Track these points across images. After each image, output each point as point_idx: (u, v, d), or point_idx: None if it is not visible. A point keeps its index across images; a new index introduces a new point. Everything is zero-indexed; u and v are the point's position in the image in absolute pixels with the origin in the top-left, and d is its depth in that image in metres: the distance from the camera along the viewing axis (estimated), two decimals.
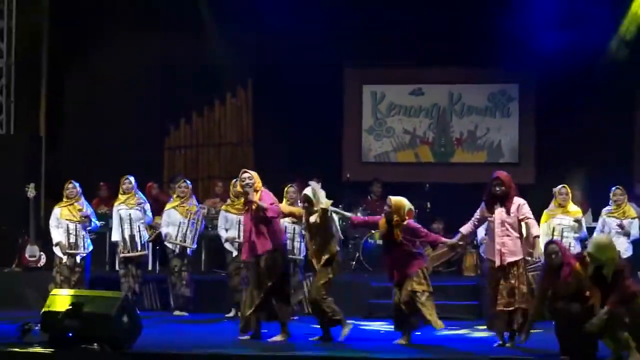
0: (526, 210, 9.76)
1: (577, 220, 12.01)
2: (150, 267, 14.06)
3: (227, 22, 16.15)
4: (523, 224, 9.76)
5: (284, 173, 14.62)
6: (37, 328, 9.67)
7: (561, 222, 11.94)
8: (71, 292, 9.90)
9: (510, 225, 9.69)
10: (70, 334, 9.19)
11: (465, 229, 10.05)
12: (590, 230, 12.37)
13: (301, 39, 15.51)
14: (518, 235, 9.71)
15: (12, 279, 13.80)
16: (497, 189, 9.80)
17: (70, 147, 16.36)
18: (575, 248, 11.81)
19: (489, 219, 9.81)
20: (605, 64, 15.81)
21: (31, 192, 13.56)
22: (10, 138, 15.80)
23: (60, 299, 9.58)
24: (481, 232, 12.03)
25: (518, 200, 9.82)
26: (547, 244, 9.17)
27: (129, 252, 12.35)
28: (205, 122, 17.41)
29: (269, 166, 16.12)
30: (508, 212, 9.73)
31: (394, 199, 9.84)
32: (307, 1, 15.61)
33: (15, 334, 9.79)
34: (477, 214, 10.00)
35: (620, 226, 12.22)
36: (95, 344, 9.13)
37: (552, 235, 11.71)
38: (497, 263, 9.63)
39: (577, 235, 12.00)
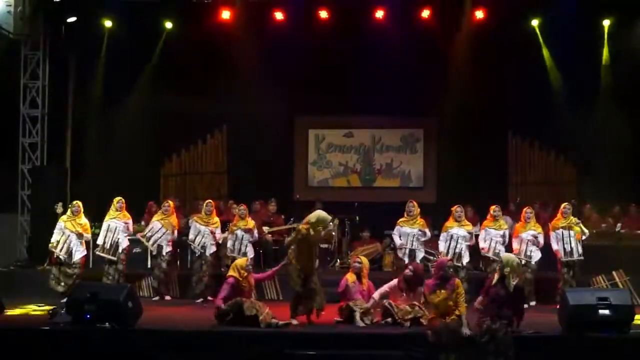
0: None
1: (470, 232, 11.97)
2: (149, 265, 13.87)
3: (208, 83, 16.05)
4: None
5: (250, 194, 14.55)
6: (63, 311, 9.55)
7: (457, 233, 11.83)
8: (90, 283, 9.77)
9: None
10: (89, 316, 9.10)
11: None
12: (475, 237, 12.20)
13: (264, 95, 15.51)
14: None
15: (45, 274, 13.52)
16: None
17: (89, 176, 16.11)
18: (466, 254, 11.83)
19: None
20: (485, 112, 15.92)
21: (59, 209, 13.33)
22: (43, 169, 15.60)
23: (81, 289, 9.46)
24: (397, 239, 12.03)
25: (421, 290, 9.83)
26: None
27: (105, 253, 12.09)
28: (191, 157, 17.26)
29: (238, 189, 16.17)
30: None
31: None
32: (267, 66, 15.54)
33: (47, 316, 9.64)
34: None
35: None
36: (107, 323, 9.04)
37: (449, 242, 11.70)
38: None
39: (468, 243, 11.90)
